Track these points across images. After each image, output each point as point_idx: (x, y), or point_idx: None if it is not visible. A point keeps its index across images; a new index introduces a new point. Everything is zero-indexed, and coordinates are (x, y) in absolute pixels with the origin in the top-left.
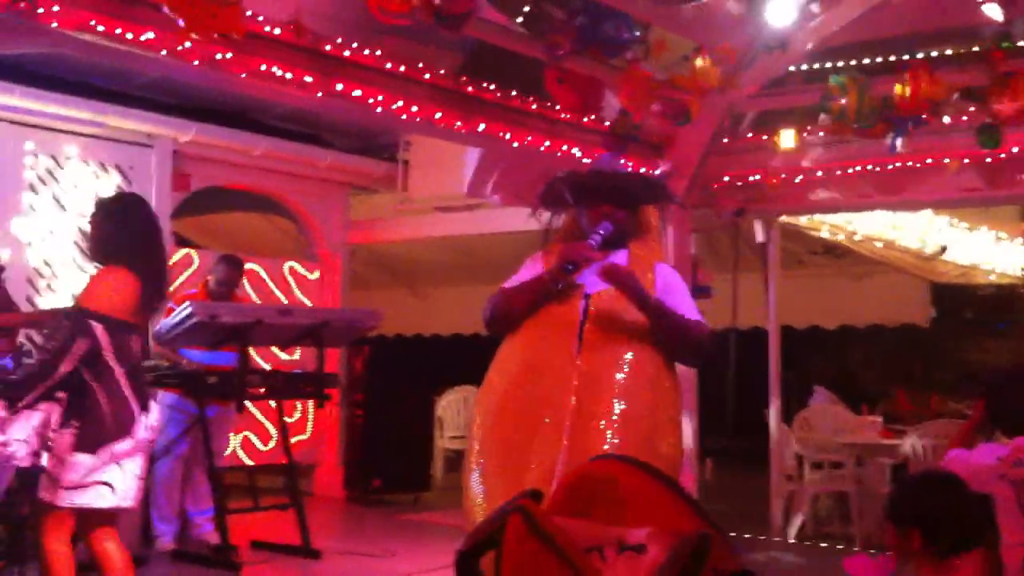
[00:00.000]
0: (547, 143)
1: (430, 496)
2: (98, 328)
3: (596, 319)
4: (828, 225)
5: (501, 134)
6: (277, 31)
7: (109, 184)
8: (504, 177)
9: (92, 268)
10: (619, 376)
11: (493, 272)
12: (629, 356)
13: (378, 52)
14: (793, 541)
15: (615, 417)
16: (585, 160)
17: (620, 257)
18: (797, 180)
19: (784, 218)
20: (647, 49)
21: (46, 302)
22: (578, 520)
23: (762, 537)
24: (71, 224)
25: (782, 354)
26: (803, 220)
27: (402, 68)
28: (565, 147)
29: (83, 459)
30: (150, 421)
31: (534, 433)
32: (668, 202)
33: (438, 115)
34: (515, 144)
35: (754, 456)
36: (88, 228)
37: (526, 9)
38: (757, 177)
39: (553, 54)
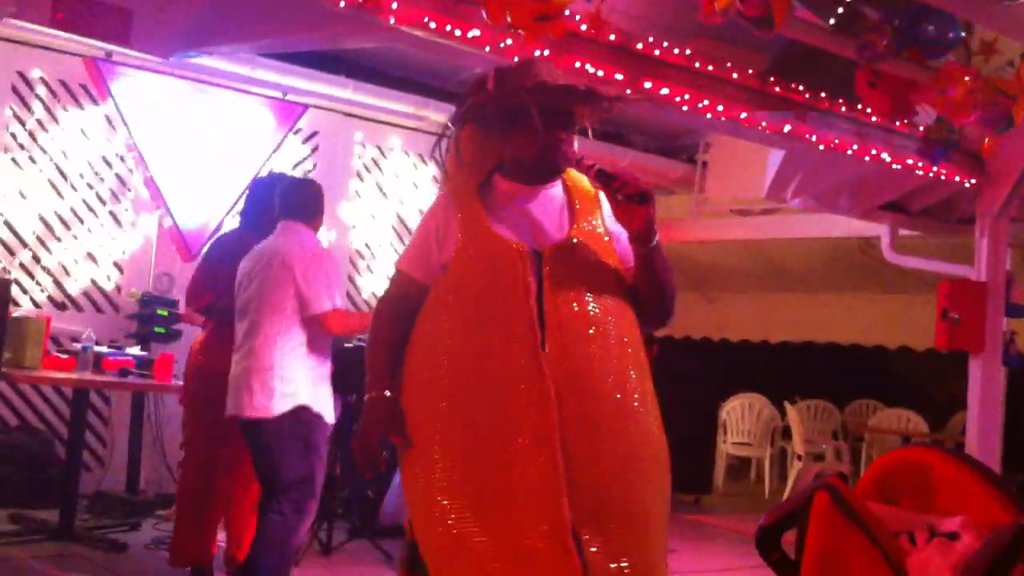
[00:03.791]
0: (855, 147)
1: (710, 499)
2: None
3: (556, 286)
4: None
5: (807, 136)
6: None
7: (426, 175)
8: (806, 181)
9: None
10: (603, 360)
11: (789, 279)
12: (606, 329)
13: (687, 51)
14: None
15: (612, 420)
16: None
17: (557, 189)
18: None
19: None
20: (968, 53)
21: (365, 283)
22: (886, 506)
23: None
24: (391, 210)
25: None
26: None
27: (710, 68)
28: (874, 151)
29: None
30: None
31: (514, 468)
32: (609, 111)
33: (743, 115)
34: (821, 147)
35: None
36: None
37: (840, 10)
38: None
39: (867, 55)
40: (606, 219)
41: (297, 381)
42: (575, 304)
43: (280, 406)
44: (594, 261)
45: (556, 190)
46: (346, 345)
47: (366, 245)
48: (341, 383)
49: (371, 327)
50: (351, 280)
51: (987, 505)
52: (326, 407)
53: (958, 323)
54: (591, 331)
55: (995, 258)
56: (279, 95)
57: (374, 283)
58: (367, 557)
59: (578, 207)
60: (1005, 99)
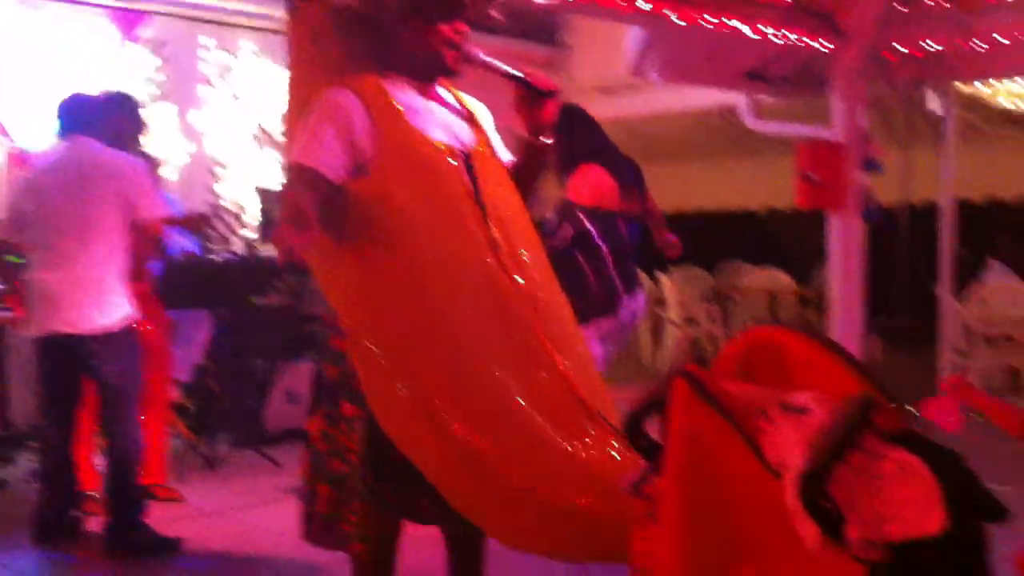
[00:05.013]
0: (707, 17)
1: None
2: (584, 216)
3: (487, 185)
4: (1010, 93)
5: (664, 12)
6: None
7: (283, 78)
8: (666, 55)
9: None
10: (536, 250)
11: (658, 153)
12: (526, 221)
13: None
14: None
15: (564, 306)
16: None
17: (438, 89)
18: (978, 47)
19: (963, 88)
20: None
21: (225, 191)
22: (743, 384)
23: None
24: (247, 117)
25: (959, 229)
26: (983, 90)
27: None
28: (732, 22)
29: None
30: (633, 304)
31: (520, 362)
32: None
33: None
34: (676, 19)
35: (925, 335)
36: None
37: None
38: (936, 47)
39: None
40: (482, 119)
41: (124, 294)
42: (506, 202)
43: (114, 320)
44: (499, 158)
45: (441, 88)
46: (213, 257)
47: (224, 154)
48: (209, 296)
49: (299, 195)
50: (211, 191)
51: (838, 380)
52: None
53: (817, 183)
54: (522, 225)
55: (850, 118)
56: (116, 4)
57: (235, 192)
58: (255, 466)
59: (470, 107)
60: None
